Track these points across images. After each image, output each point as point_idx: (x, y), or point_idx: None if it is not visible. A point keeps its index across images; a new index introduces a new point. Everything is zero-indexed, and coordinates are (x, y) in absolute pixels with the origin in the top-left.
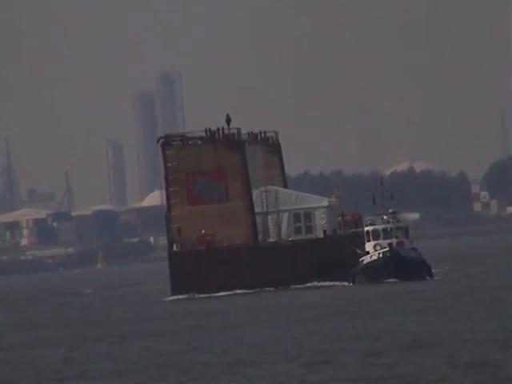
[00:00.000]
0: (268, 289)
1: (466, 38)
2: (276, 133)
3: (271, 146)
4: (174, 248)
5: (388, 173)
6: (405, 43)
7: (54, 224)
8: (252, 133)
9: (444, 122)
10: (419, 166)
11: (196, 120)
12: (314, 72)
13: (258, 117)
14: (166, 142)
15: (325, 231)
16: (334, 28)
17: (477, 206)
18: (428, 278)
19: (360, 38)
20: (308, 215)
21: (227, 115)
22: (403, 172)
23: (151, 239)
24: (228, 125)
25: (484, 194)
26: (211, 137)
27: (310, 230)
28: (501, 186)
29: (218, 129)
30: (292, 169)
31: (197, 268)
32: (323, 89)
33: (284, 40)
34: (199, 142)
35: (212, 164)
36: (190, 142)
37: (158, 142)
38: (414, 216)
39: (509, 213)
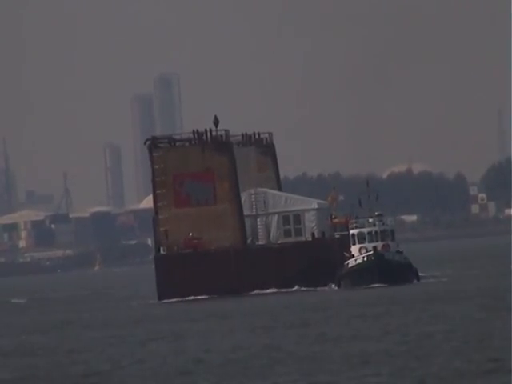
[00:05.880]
0: (255, 292)
1: (465, 40)
2: (270, 134)
3: (265, 147)
4: (161, 251)
5: (386, 174)
6: (403, 45)
7: (52, 226)
8: (246, 134)
9: (442, 123)
10: (417, 168)
11: (194, 122)
12: (313, 73)
13: (256, 118)
14: (153, 143)
15: (313, 234)
16: (332, 29)
17: (475, 208)
18: (415, 281)
19: (359, 39)
20: (297, 218)
21: (215, 117)
22: (401, 174)
23: (149, 241)
24: (216, 126)
25: (482, 195)
26: (199, 139)
27: (299, 232)
28: (499, 188)
29: (205, 130)
30: (290, 170)
31: (183, 271)
32: (322, 90)
33: (283, 41)
34: (187, 143)
35: (200, 166)
36: (177, 144)
37: (145, 143)
38: (411, 218)
39: (507, 215)
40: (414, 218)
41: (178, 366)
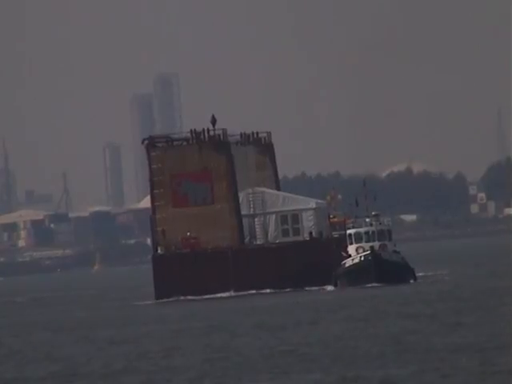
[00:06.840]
0: (253, 292)
1: (464, 39)
2: (269, 133)
3: (264, 146)
4: (159, 251)
5: (385, 174)
6: (403, 44)
7: (52, 225)
8: (244, 133)
9: (441, 123)
10: (416, 168)
11: (194, 122)
12: (313, 73)
13: (255, 118)
14: (151, 143)
15: (311, 233)
16: (332, 28)
17: (474, 208)
18: (412, 281)
19: (359, 38)
20: (295, 217)
21: (212, 116)
22: (400, 173)
23: (148, 241)
24: (213, 126)
25: (481, 195)
26: (197, 138)
27: (297, 232)
28: (498, 188)
29: (203, 130)
30: (289, 170)
31: (181, 271)
32: (321, 90)
33: (282, 40)
34: (184, 143)
35: (197, 166)
36: (175, 144)
37: (142, 143)
38: (411, 218)
39: (506, 214)
40: (413, 217)
41: (184, 367)
